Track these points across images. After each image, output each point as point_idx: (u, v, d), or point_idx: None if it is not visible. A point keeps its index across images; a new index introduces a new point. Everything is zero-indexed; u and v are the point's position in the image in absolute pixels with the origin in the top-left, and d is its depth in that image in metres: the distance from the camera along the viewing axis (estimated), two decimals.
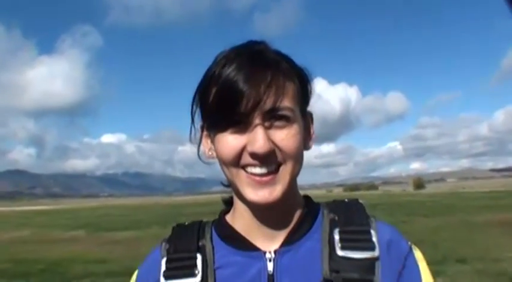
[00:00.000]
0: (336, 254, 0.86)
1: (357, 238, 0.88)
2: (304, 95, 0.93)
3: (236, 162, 0.86)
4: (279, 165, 0.86)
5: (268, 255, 0.90)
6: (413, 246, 0.94)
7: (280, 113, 0.84)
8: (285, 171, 0.87)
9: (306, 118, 0.95)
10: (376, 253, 0.86)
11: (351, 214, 0.92)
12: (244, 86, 0.83)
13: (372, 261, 0.86)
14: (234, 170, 0.88)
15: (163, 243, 0.96)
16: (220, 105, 0.85)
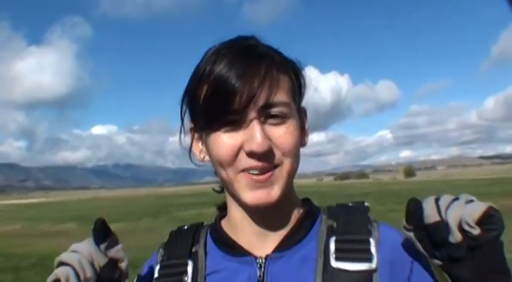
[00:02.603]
0: (330, 265, 0.81)
1: (353, 248, 0.82)
2: (299, 89, 0.90)
3: (233, 162, 0.82)
4: (276, 163, 0.82)
5: (259, 261, 0.86)
6: None
7: (276, 108, 0.81)
8: (283, 170, 0.83)
9: (301, 114, 0.91)
10: (373, 265, 0.80)
11: (350, 220, 0.86)
12: (237, 81, 0.79)
13: (369, 274, 0.79)
14: (231, 172, 0.83)
15: (160, 249, 0.95)
16: (213, 103, 0.80)
